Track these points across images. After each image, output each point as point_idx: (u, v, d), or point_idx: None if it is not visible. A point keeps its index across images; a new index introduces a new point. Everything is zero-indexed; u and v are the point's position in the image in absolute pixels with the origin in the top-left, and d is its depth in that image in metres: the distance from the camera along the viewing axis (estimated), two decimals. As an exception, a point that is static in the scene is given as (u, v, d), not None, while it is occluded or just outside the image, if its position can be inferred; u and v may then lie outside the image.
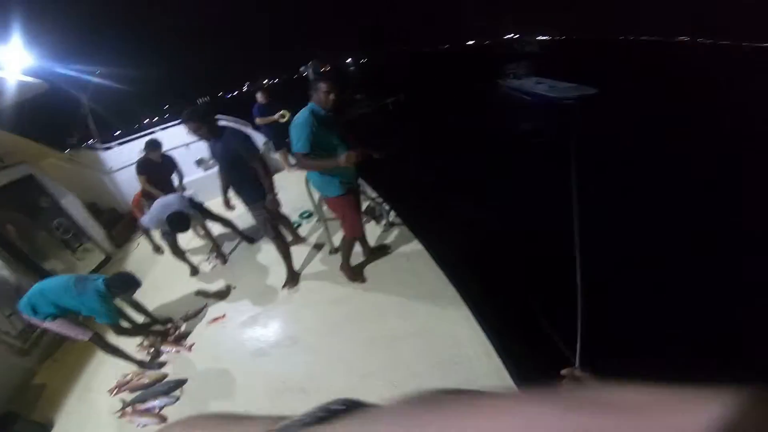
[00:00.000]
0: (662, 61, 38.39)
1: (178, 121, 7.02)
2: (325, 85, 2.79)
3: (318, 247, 4.28)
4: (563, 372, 0.82)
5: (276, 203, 3.47)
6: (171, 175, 5.23)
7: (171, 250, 4.30)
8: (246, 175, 3.34)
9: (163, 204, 4.04)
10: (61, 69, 6.27)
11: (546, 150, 11.82)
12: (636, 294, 4.94)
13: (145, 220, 4.07)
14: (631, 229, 6.69)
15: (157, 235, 4.27)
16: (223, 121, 5.18)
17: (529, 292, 3.91)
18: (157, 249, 4.37)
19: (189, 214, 4.14)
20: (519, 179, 9.72)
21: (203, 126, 3.22)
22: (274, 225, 3.58)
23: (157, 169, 5.04)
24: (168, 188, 5.15)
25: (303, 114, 2.86)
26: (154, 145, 4.94)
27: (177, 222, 3.94)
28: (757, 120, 13.44)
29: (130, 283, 3.30)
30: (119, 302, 3.35)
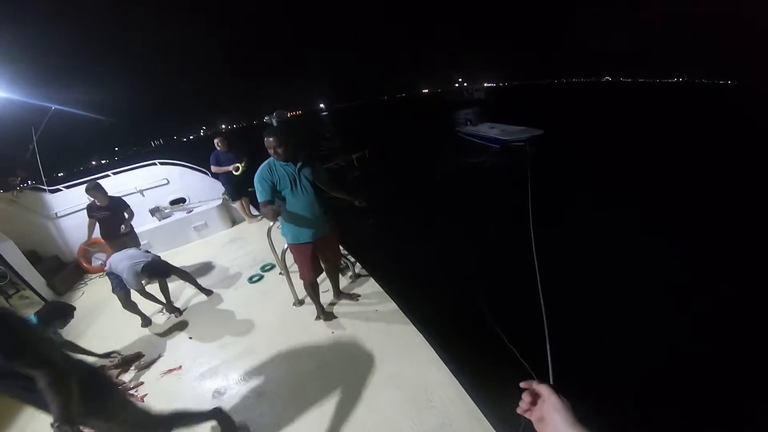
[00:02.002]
0: (591, 98, 46.98)
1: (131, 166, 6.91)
2: (269, 140, 2.93)
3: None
4: (522, 385, 0.83)
5: None
6: (119, 218, 5.23)
7: (123, 303, 4.11)
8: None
9: (130, 255, 4.00)
10: (13, 100, 5.97)
11: (503, 188, 12.71)
12: (597, 320, 5.18)
13: (120, 271, 3.91)
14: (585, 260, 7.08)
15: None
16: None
17: (495, 327, 4.05)
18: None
19: (165, 263, 4.22)
20: (478, 219, 10.20)
21: None
22: None
23: (104, 213, 5.11)
24: (117, 233, 5.19)
25: (262, 167, 3.02)
26: (93, 188, 4.99)
27: (156, 269, 4.04)
28: (679, 144, 16.29)
29: (62, 310, 3.26)
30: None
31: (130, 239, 5.41)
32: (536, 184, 8.84)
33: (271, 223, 4.07)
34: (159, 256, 4.29)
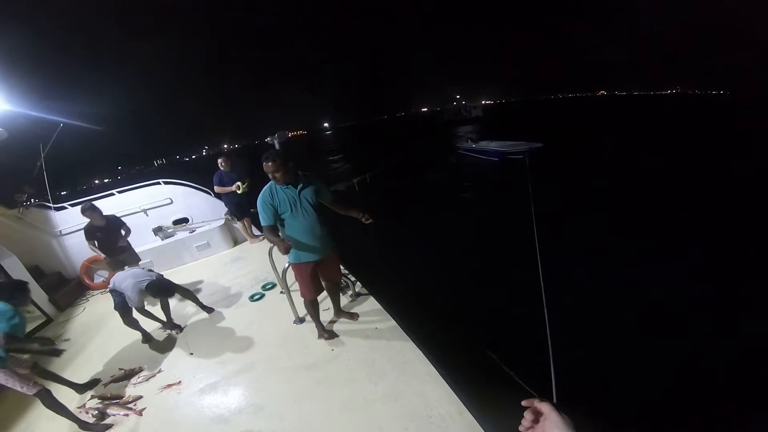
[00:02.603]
0: (588, 112, 48.87)
1: (135, 185, 7.01)
2: (267, 165, 2.96)
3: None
4: (524, 403, 0.84)
5: None
6: (117, 235, 5.31)
7: (124, 320, 4.15)
8: None
9: (134, 274, 4.06)
10: (24, 115, 6.06)
11: (502, 203, 12.82)
12: (600, 333, 5.18)
13: (124, 288, 3.97)
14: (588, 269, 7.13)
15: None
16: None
17: (493, 344, 4.06)
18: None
19: (169, 281, 4.26)
20: (477, 236, 10.31)
21: None
22: None
23: (102, 232, 5.16)
24: (116, 250, 5.29)
25: (263, 191, 3.08)
26: (89, 209, 5.05)
27: (160, 287, 4.06)
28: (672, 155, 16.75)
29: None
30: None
31: (129, 256, 5.49)
32: (537, 198, 8.95)
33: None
34: (162, 275, 4.34)
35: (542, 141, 18.80)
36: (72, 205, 6.65)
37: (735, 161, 14.62)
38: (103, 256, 5.26)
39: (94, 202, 5.61)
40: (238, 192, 6.61)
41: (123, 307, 4.05)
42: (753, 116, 30.10)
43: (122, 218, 5.65)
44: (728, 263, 6.72)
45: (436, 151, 27.86)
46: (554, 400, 0.81)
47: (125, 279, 3.98)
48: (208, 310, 4.73)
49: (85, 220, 5.18)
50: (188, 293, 4.54)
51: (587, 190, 12.94)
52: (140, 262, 5.83)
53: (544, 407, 0.80)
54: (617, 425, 3.39)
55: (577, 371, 3.59)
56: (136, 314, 4.17)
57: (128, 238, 5.47)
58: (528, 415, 0.82)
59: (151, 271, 4.31)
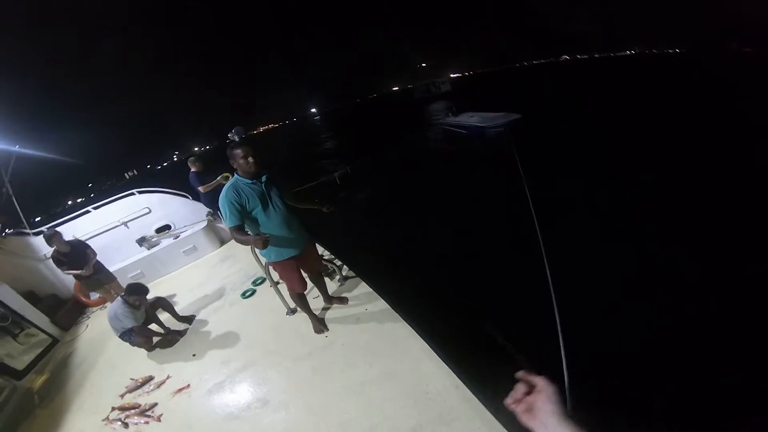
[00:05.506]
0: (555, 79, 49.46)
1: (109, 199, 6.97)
2: (241, 150, 2.87)
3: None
4: (519, 374, 0.84)
5: None
6: (85, 260, 5.26)
7: (147, 347, 4.35)
8: None
9: (115, 304, 4.27)
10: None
11: (485, 176, 12.90)
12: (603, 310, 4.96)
13: (120, 317, 4.15)
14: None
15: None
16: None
17: (486, 316, 4.10)
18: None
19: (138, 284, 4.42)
20: (467, 209, 10.32)
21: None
22: None
23: (68, 257, 5.14)
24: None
25: (225, 189, 2.95)
26: (52, 236, 5.04)
27: (136, 288, 4.28)
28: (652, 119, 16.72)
29: None
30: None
31: (104, 276, 5.54)
32: (518, 169, 8.84)
33: None
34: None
35: (518, 110, 19.06)
36: (49, 228, 6.61)
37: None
38: (82, 271, 5.17)
39: (70, 222, 5.60)
40: (225, 182, 6.33)
41: (138, 338, 4.23)
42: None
43: (103, 233, 5.67)
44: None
45: (415, 130, 27.53)
46: (566, 380, 0.85)
47: (113, 313, 4.19)
48: (188, 320, 4.85)
49: (70, 238, 5.26)
50: (168, 305, 4.73)
51: (574, 159, 12.87)
52: (130, 275, 5.93)
53: (539, 380, 0.81)
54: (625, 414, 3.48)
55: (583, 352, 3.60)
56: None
57: (101, 258, 5.53)
58: (521, 387, 0.83)
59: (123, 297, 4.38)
